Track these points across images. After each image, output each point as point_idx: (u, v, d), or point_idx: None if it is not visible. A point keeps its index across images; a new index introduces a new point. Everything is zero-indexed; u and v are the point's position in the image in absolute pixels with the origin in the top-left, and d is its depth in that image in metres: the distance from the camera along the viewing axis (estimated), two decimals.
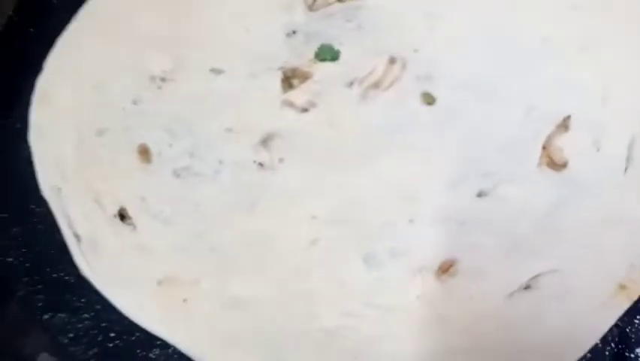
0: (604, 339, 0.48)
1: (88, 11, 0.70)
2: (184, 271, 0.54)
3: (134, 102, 0.64)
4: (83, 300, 0.53)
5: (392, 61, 0.65)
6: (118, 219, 0.57)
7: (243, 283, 0.53)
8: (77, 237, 0.55)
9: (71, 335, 0.51)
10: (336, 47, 0.67)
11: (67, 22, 0.69)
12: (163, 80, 0.65)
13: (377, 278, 0.53)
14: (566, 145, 0.57)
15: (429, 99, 0.62)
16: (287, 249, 0.55)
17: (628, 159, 0.56)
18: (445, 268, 0.52)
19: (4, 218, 0.58)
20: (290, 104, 0.63)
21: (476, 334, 0.49)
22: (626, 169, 0.55)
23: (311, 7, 0.69)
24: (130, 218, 0.57)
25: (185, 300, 0.52)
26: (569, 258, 0.52)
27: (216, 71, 0.65)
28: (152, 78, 0.65)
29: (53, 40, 0.68)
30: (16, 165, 0.61)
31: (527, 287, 0.51)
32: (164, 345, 0.51)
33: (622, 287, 0.50)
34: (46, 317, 0.52)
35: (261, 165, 0.60)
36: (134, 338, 0.51)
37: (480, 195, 0.56)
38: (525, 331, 0.49)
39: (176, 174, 0.60)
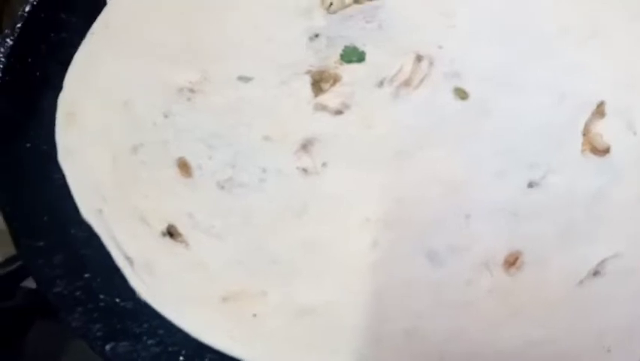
0: None
1: (102, 25, 0.65)
2: (248, 286, 0.50)
3: (165, 116, 0.60)
4: (144, 325, 0.48)
5: (419, 59, 0.63)
6: (168, 238, 0.52)
7: (310, 290, 0.50)
8: (129, 259, 0.51)
9: None
10: (360, 47, 0.65)
11: (80, 38, 0.64)
12: (192, 91, 0.61)
13: (444, 275, 0.51)
14: (605, 131, 0.57)
15: (462, 94, 0.61)
16: (347, 253, 0.52)
17: None
18: (512, 261, 0.51)
19: (41, 247, 0.53)
20: (323, 108, 0.61)
21: (553, 324, 0.47)
22: None
23: (329, 11, 0.68)
24: (180, 235, 0.53)
25: (255, 315, 0.49)
26: (627, 240, 0.51)
27: (244, 79, 0.62)
28: (180, 90, 0.61)
29: (68, 57, 0.63)
30: (48, 189, 0.56)
31: (596, 273, 0.50)
32: None
33: None
34: (108, 347, 0.47)
35: (304, 170, 0.57)
36: (206, 360, 0.47)
37: (531, 185, 0.55)
38: (599, 316, 0.48)
39: (220, 186, 0.56)
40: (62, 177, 0.56)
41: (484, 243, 0.52)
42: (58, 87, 0.61)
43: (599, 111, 0.58)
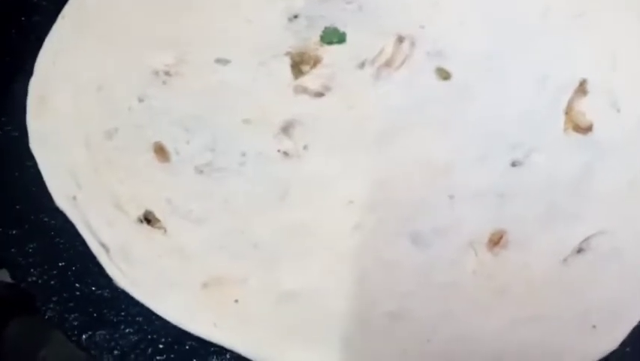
0: None
1: (74, 8, 0.63)
2: (229, 271, 0.49)
3: (141, 100, 0.58)
4: (122, 313, 0.47)
5: (400, 39, 0.62)
6: (145, 224, 0.51)
7: (293, 275, 0.49)
8: (105, 247, 0.49)
9: (117, 352, 0.46)
10: (341, 29, 0.64)
11: (52, 22, 0.62)
12: (167, 74, 0.59)
13: (428, 257, 0.50)
14: (587, 109, 0.56)
15: (444, 74, 0.60)
16: (330, 237, 0.51)
17: None
18: (496, 241, 0.50)
19: (14, 235, 0.51)
20: (303, 90, 0.60)
21: (537, 302, 0.47)
22: None
23: None
24: (158, 221, 0.51)
25: (236, 300, 0.47)
26: (611, 218, 0.51)
27: (222, 62, 0.61)
28: (156, 73, 0.59)
29: (39, 41, 0.61)
30: (20, 176, 0.54)
31: (580, 250, 0.49)
32: (221, 351, 0.46)
33: None
34: (85, 336, 0.46)
35: (285, 153, 0.56)
36: (187, 348, 0.46)
37: (514, 164, 0.54)
38: (584, 293, 0.47)
39: (199, 170, 0.55)
40: (34, 164, 0.54)
41: (468, 224, 0.51)
42: (29, 72, 0.59)
43: (582, 89, 0.57)
